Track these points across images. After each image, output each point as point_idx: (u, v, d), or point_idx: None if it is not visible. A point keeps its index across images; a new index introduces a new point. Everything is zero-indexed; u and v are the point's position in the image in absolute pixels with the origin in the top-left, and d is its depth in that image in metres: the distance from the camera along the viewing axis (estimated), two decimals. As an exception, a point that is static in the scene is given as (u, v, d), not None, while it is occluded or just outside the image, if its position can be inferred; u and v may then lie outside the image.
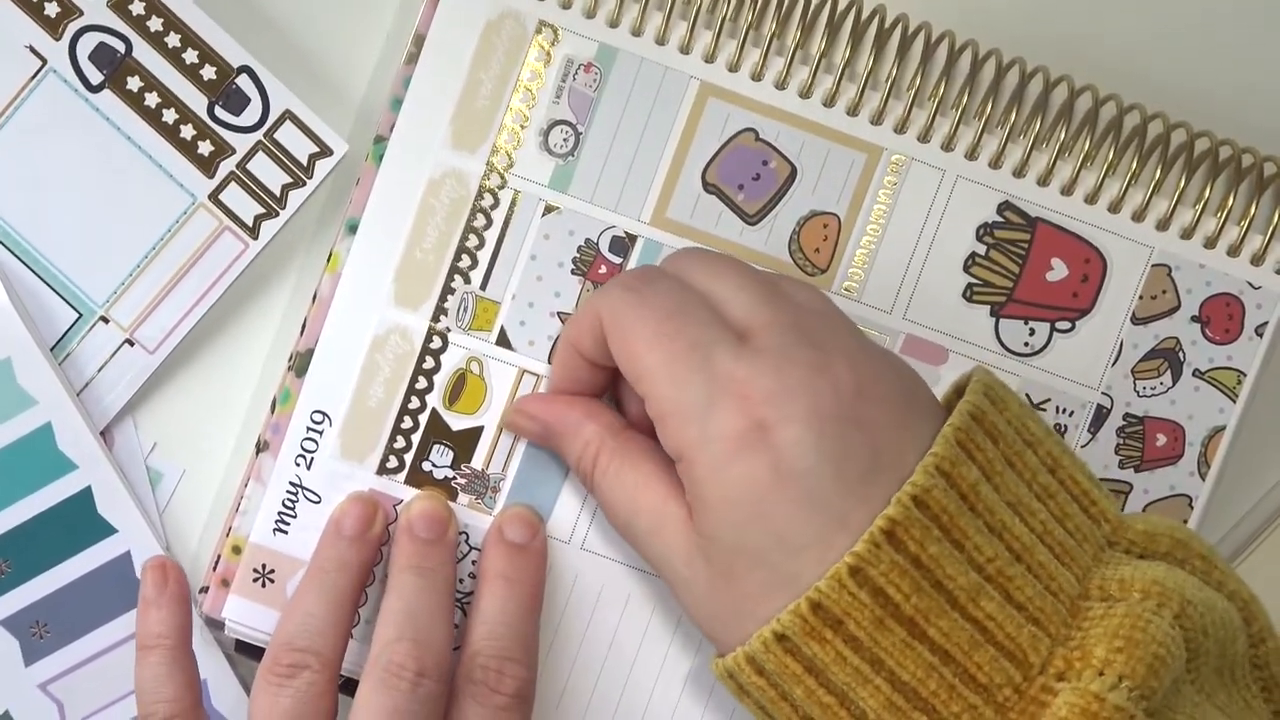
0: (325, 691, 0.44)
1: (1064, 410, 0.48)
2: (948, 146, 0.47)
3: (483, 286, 0.48)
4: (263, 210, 0.48)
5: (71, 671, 0.49)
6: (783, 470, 0.39)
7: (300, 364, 0.48)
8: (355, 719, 0.43)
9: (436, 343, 0.48)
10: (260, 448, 0.48)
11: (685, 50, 0.47)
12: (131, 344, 0.48)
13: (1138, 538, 0.42)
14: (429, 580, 0.45)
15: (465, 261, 0.47)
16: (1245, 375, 0.48)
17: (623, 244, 0.48)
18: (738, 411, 0.39)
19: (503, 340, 0.48)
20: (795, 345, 0.40)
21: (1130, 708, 0.37)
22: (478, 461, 0.48)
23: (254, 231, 0.48)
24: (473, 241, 0.47)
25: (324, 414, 0.47)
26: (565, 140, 0.47)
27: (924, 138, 0.47)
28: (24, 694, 0.49)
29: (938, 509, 0.38)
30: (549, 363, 0.47)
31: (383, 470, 0.48)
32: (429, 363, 0.48)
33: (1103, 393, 0.48)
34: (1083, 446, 0.48)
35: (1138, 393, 0.48)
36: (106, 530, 0.48)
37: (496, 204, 0.47)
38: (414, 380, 0.48)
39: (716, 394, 0.40)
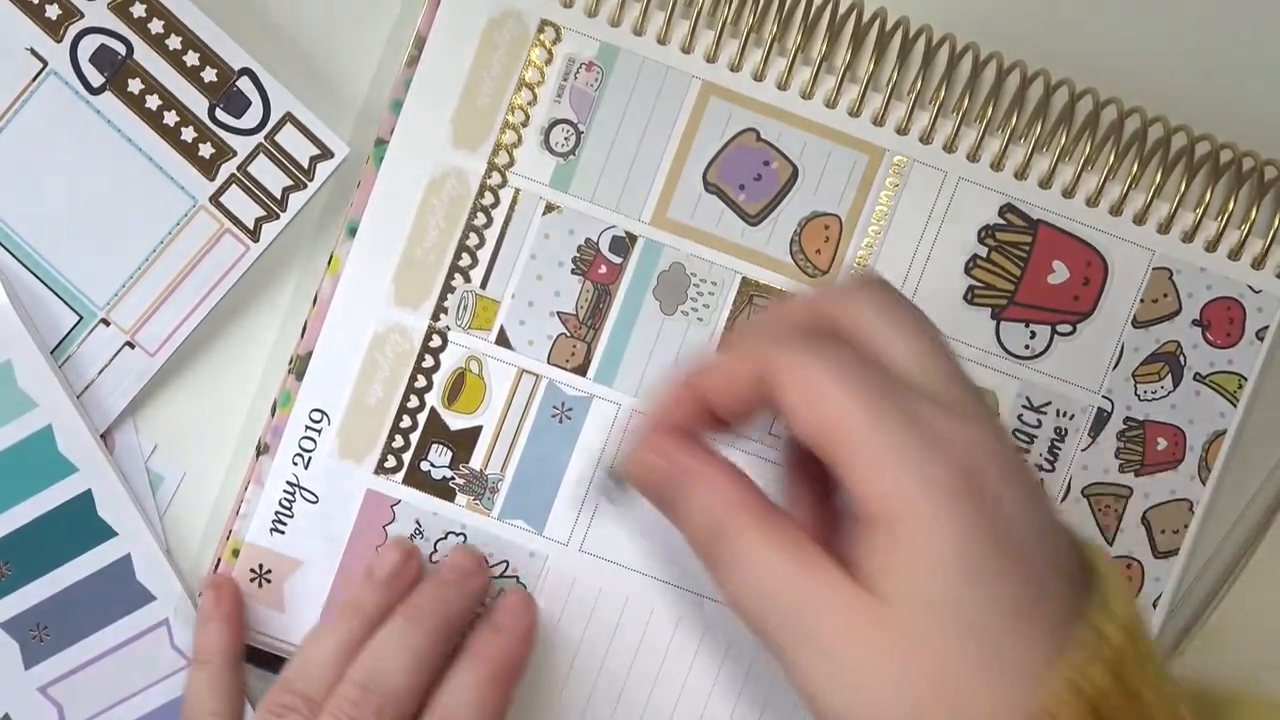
0: None
1: (1064, 414, 0.48)
2: (950, 148, 0.47)
3: (483, 285, 0.47)
4: (263, 213, 0.48)
5: (71, 674, 0.49)
6: (1000, 530, 0.36)
7: (300, 367, 0.47)
8: None
9: (436, 341, 0.47)
10: (260, 450, 0.48)
11: (687, 50, 0.47)
12: (132, 346, 0.48)
13: None
14: (408, 631, 0.46)
15: (465, 260, 0.47)
16: (1246, 379, 0.48)
17: (623, 244, 0.48)
18: (951, 465, 0.36)
19: (502, 339, 0.48)
20: (992, 420, 0.37)
21: None
22: (476, 462, 0.48)
23: (255, 234, 0.48)
24: (473, 240, 0.47)
25: (322, 413, 0.47)
26: (566, 139, 0.47)
27: (926, 139, 0.47)
28: (24, 697, 0.48)
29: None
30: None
31: (381, 470, 0.48)
32: (428, 361, 0.48)
33: (1103, 396, 0.48)
34: (1083, 450, 0.48)
35: (1138, 396, 0.48)
36: (107, 533, 0.48)
37: (497, 203, 0.47)
38: (413, 379, 0.48)
39: (929, 446, 0.36)
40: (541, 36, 0.47)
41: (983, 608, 0.35)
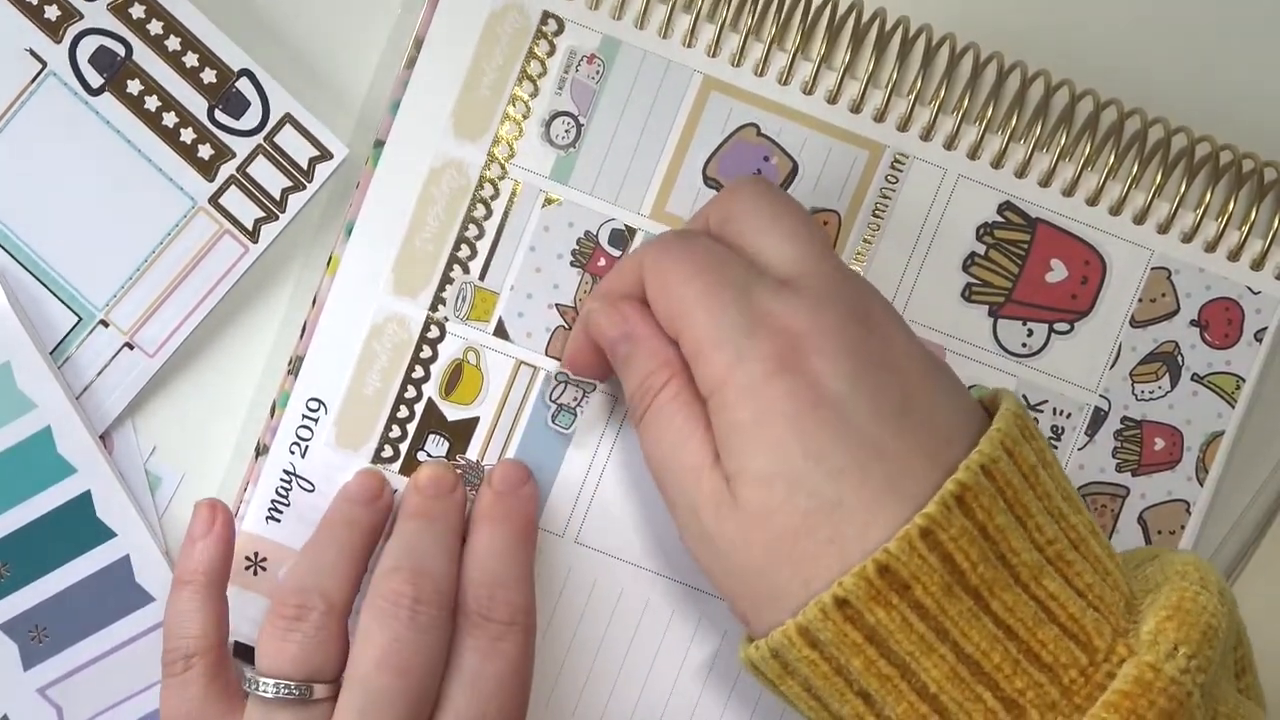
0: (335, 635, 0.44)
1: (1061, 412, 0.48)
2: (950, 145, 0.48)
3: (481, 277, 0.48)
4: (263, 214, 0.48)
5: (71, 676, 0.49)
6: (818, 392, 0.38)
7: (299, 367, 0.47)
8: (357, 653, 0.43)
9: (434, 332, 0.48)
10: (260, 451, 0.48)
11: (688, 44, 0.47)
12: (131, 347, 0.48)
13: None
14: (431, 524, 0.45)
15: (464, 251, 0.47)
16: (1244, 380, 0.48)
17: (622, 237, 0.48)
18: (774, 340, 0.39)
19: (500, 331, 0.48)
20: (835, 293, 0.40)
21: (1187, 682, 0.36)
22: (473, 452, 0.48)
23: (254, 235, 0.48)
24: (472, 231, 0.47)
25: (320, 401, 0.47)
26: (567, 132, 0.47)
27: (926, 136, 0.47)
28: (23, 698, 0.48)
29: (1003, 482, 0.38)
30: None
31: (377, 460, 0.48)
32: (426, 352, 0.48)
33: (1101, 395, 0.48)
34: (1080, 449, 0.48)
35: (1136, 396, 0.48)
36: (106, 534, 0.48)
37: (497, 194, 0.47)
38: (411, 369, 0.48)
39: (754, 324, 0.39)
40: (544, 28, 0.47)
41: (812, 473, 0.38)
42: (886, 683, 0.38)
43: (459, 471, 0.47)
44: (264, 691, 0.43)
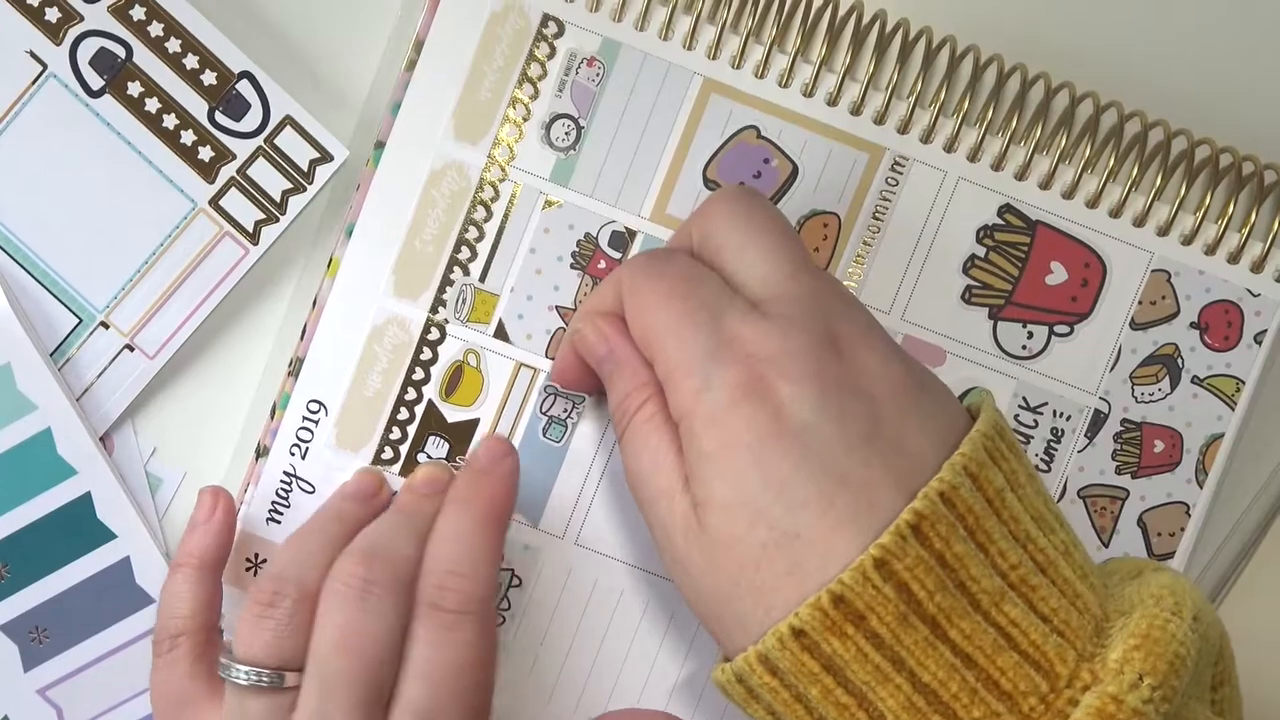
0: (308, 623, 0.43)
1: (1061, 415, 0.48)
2: (950, 148, 0.48)
3: (482, 279, 0.48)
4: (263, 216, 0.48)
5: (71, 677, 0.49)
6: (783, 421, 0.38)
7: (300, 369, 0.47)
8: (316, 636, 0.42)
9: (434, 334, 0.48)
10: (260, 453, 0.48)
11: (689, 46, 0.47)
12: (131, 349, 0.48)
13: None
14: (410, 516, 0.44)
15: (465, 253, 0.47)
16: (1244, 383, 0.48)
17: (622, 239, 0.48)
18: (740, 366, 0.39)
19: (500, 333, 0.48)
20: (806, 316, 0.40)
21: (1150, 712, 0.36)
22: (472, 455, 0.48)
23: (254, 237, 0.48)
24: (472, 234, 0.47)
25: (320, 403, 0.47)
26: (567, 134, 0.47)
27: (926, 139, 0.47)
28: (23, 699, 0.48)
29: (964, 509, 0.38)
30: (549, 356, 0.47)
31: (378, 461, 0.48)
32: (426, 354, 0.48)
33: (1100, 398, 0.48)
34: (1079, 451, 0.48)
35: (1136, 398, 0.48)
36: (106, 535, 0.48)
37: (497, 196, 0.47)
38: (411, 371, 0.48)
39: (721, 350, 0.40)
40: (544, 31, 0.47)
41: (772, 505, 0.38)
42: (844, 711, 0.38)
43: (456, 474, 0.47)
44: (238, 679, 0.42)
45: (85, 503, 0.48)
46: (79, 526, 0.48)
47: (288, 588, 0.43)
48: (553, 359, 0.48)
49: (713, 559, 0.39)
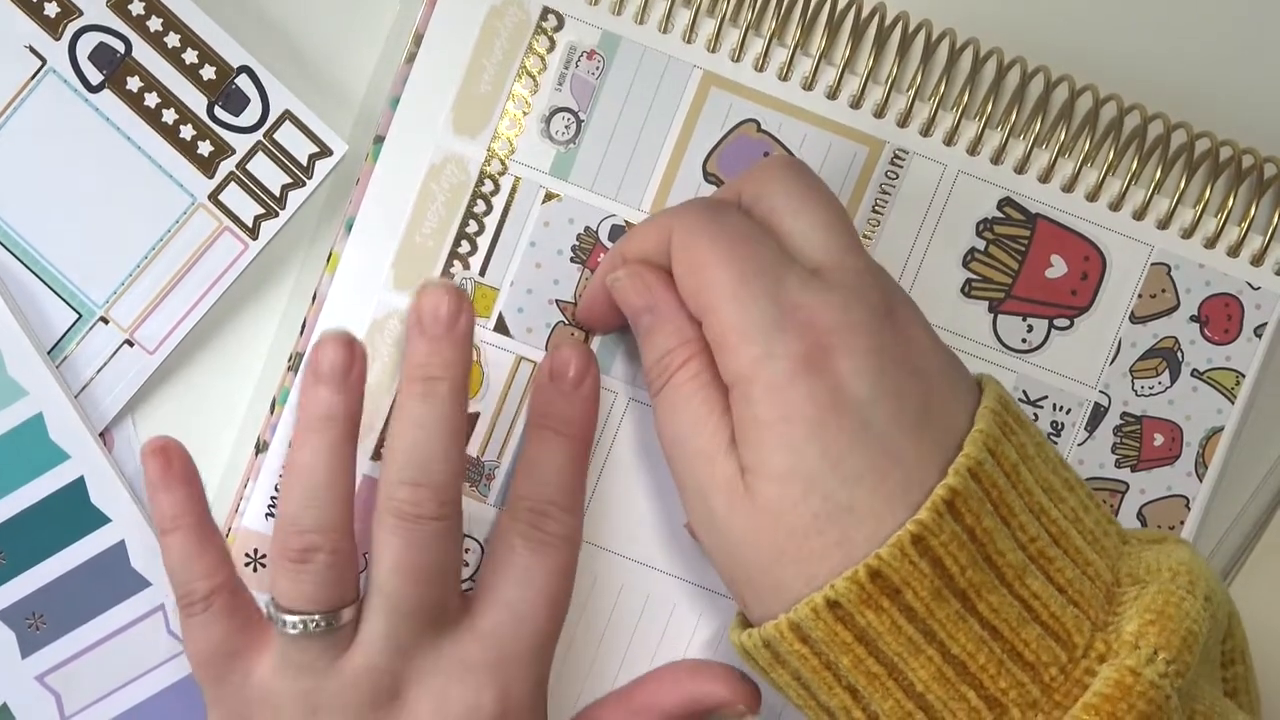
0: (346, 561, 0.43)
1: (1061, 408, 0.48)
2: (950, 141, 0.48)
3: (482, 272, 0.48)
4: (262, 210, 0.48)
5: (69, 662, 0.49)
6: (842, 396, 0.39)
7: (300, 364, 0.47)
8: (374, 567, 0.43)
9: (434, 328, 0.47)
10: (260, 448, 0.48)
11: (688, 39, 0.47)
12: (131, 344, 0.48)
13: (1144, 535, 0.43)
14: (432, 405, 0.43)
15: (465, 247, 0.47)
16: (1244, 376, 0.48)
17: (623, 233, 0.48)
18: (802, 336, 0.39)
19: (500, 327, 0.48)
20: (866, 288, 0.40)
21: (1165, 686, 0.36)
22: (473, 449, 0.48)
23: (254, 232, 0.48)
24: (472, 227, 0.47)
25: (320, 397, 0.47)
26: (567, 127, 0.47)
27: (926, 132, 0.48)
28: (22, 685, 0.48)
29: (989, 483, 0.38)
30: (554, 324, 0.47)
31: (378, 455, 0.47)
32: (426, 348, 0.47)
33: (1100, 391, 0.48)
34: (1079, 445, 0.48)
35: (1136, 392, 0.48)
36: (100, 520, 0.48)
37: (497, 190, 0.47)
38: (411, 365, 0.47)
39: (784, 318, 0.39)
40: (544, 24, 0.47)
41: (827, 477, 0.38)
42: (874, 680, 0.38)
43: (462, 299, 0.45)
44: (291, 629, 0.43)
45: (79, 487, 0.48)
46: (73, 511, 0.48)
47: (315, 540, 0.43)
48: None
49: (757, 525, 0.39)
